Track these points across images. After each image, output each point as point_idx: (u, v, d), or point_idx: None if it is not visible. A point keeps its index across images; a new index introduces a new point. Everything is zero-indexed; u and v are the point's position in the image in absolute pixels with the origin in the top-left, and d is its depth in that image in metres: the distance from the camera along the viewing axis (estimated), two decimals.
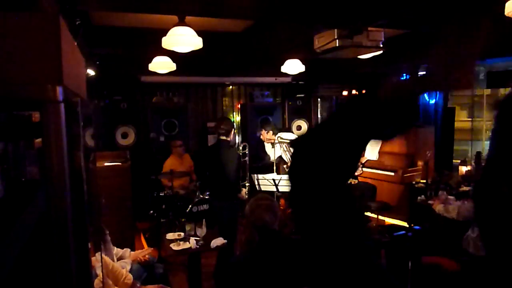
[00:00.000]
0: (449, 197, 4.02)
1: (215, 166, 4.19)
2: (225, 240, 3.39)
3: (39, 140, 1.22)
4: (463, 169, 5.10)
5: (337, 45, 3.04)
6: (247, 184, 4.97)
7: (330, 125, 0.64)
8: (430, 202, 3.93)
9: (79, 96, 0.95)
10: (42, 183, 0.74)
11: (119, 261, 3.05)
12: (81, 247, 0.96)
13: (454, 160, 5.96)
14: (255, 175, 4.82)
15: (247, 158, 5.41)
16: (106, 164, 4.61)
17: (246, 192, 4.86)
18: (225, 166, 4.08)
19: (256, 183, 4.74)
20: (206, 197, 4.92)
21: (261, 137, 5.57)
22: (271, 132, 5.45)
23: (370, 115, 0.62)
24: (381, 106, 0.61)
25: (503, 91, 5.72)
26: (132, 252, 3.25)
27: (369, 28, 3.30)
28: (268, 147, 5.61)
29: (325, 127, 0.67)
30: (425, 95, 6.35)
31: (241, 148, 5.58)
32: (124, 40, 4.79)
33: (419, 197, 4.26)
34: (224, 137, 4.13)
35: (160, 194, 5.12)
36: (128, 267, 2.97)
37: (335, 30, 3.19)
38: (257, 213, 2.22)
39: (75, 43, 1.05)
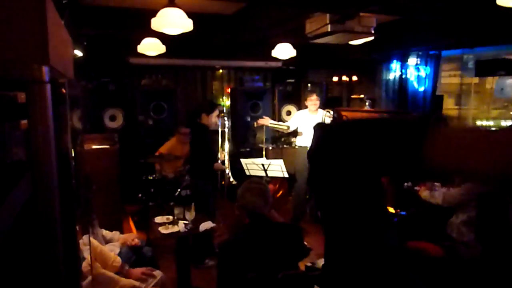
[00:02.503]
0: (435, 183, 4.08)
1: (192, 147, 4.30)
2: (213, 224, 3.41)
3: (25, 121, 1.19)
4: None
5: (329, 30, 3.02)
6: (225, 159, 4.95)
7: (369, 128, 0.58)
8: (416, 188, 3.99)
9: (66, 77, 0.93)
10: (28, 166, 0.73)
11: (108, 244, 3.05)
12: (69, 231, 0.95)
13: None
14: (244, 159, 4.82)
15: (226, 129, 5.25)
16: (94, 146, 4.56)
17: (229, 173, 4.90)
18: (197, 148, 4.14)
19: (245, 167, 4.74)
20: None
21: (308, 103, 5.16)
22: (319, 100, 5.12)
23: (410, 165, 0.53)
24: (424, 166, 0.51)
25: (491, 80, 5.78)
26: (121, 236, 3.25)
27: (361, 14, 3.28)
28: (299, 137, 5.22)
29: (365, 128, 0.60)
30: (415, 82, 6.39)
31: (222, 115, 5.39)
32: (113, 21, 4.69)
33: (405, 184, 4.32)
34: (198, 120, 4.18)
35: (149, 177, 5.09)
36: (117, 250, 2.97)
37: (327, 15, 3.17)
38: (247, 197, 2.23)
39: (62, 23, 1.02)
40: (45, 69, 0.69)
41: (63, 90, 0.96)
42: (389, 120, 0.62)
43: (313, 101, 5.09)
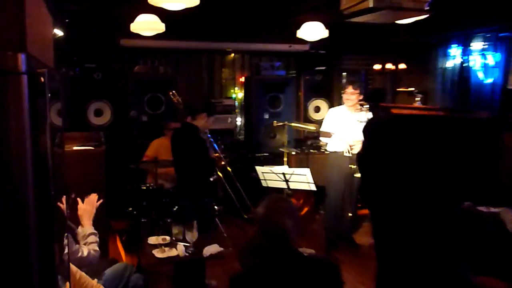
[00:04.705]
0: None
1: (177, 156, 4.26)
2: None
3: None
4: None
5: (371, 5, 3.00)
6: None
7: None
8: (481, 209, 3.92)
9: (45, 66, 0.95)
10: None
11: (90, 238, 3.08)
12: (46, 253, 0.97)
13: None
14: (260, 167, 4.83)
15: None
16: (75, 148, 4.62)
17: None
18: (187, 156, 4.12)
19: (261, 177, 4.75)
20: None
21: (345, 98, 5.06)
22: (358, 93, 4.97)
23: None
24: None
25: None
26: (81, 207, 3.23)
27: None
28: (326, 139, 5.13)
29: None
30: (480, 72, 6.29)
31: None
32: None
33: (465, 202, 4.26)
34: (189, 119, 4.13)
35: (141, 187, 5.14)
36: (96, 239, 3.05)
37: None
38: (275, 219, 2.19)
39: None
40: (21, 57, 0.70)
41: (42, 80, 0.98)
42: (458, 119, 0.66)
43: (347, 94, 5.00)
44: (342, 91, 5.14)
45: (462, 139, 0.58)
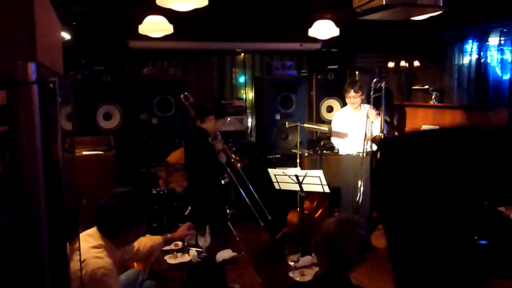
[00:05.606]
0: None
1: (187, 159, 4.27)
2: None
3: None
4: None
5: (384, 3, 2.98)
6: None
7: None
8: (501, 209, 3.88)
9: (55, 73, 0.95)
10: (10, 189, 0.75)
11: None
12: (58, 261, 0.97)
13: None
14: (272, 169, 4.82)
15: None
16: (84, 152, 4.66)
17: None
18: (195, 160, 4.11)
19: (274, 179, 4.74)
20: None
21: (349, 102, 5.14)
22: (360, 94, 5.03)
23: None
24: None
25: None
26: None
27: None
28: (336, 140, 5.21)
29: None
30: (498, 68, 6.23)
31: None
32: None
33: (485, 202, 4.21)
34: (198, 122, 4.11)
35: (152, 191, 5.16)
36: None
37: None
38: (342, 244, 2.10)
39: (49, 2, 1.05)
40: (31, 66, 0.70)
41: (52, 88, 0.98)
42: (475, 130, 0.65)
43: (350, 98, 5.05)
44: (345, 95, 5.15)
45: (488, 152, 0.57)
